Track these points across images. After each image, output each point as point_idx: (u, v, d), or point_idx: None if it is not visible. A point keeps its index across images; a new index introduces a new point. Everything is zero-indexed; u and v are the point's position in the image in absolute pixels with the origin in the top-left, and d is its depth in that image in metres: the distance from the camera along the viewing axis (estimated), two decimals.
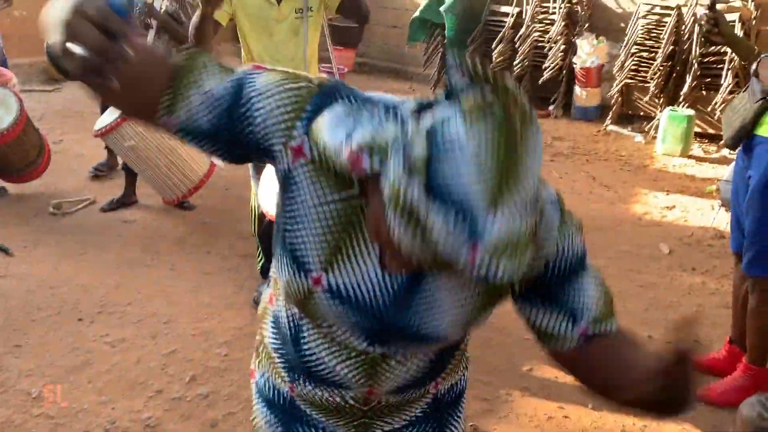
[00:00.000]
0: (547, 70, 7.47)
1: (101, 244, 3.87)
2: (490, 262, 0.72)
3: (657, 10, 6.81)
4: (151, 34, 4.01)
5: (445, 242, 0.72)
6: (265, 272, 3.38)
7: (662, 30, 6.67)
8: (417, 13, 8.45)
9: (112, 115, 3.85)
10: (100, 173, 4.88)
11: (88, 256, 3.72)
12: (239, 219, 4.26)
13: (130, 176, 4.38)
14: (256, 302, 3.27)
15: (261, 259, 3.37)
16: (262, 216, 3.12)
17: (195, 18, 2.84)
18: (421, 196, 0.71)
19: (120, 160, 4.53)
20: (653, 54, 6.74)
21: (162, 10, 4.05)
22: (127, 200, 4.41)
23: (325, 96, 0.95)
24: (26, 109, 5.59)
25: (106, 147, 4.96)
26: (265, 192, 2.91)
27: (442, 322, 1.00)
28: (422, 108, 0.81)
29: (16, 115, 4.03)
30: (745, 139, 2.64)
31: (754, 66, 2.57)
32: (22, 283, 3.39)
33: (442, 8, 8.02)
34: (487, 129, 0.71)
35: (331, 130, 0.83)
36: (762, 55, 2.57)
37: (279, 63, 2.96)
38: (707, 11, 2.62)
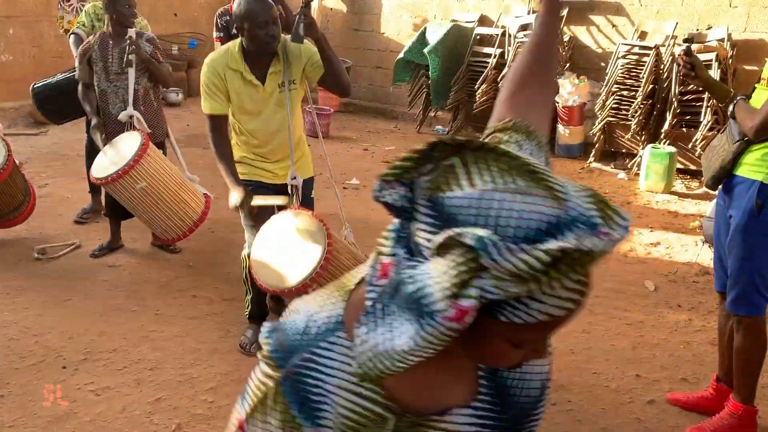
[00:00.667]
0: None
1: (86, 289, 3.84)
2: None
3: (636, 50, 6.97)
4: (132, 73, 4.05)
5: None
6: (252, 317, 3.36)
7: (642, 69, 6.81)
8: (401, 55, 8.60)
9: (108, 159, 3.83)
10: (84, 220, 4.86)
11: (72, 302, 3.68)
12: (224, 262, 4.26)
13: (116, 221, 4.37)
14: (243, 347, 3.26)
15: (248, 306, 3.36)
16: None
17: (220, 166, 3.04)
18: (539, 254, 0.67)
19: (104, 204, 4.52)
20: (634, 93, 6.87)
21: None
22: (113, 245, 4.39)
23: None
24: (12, 153, 5.61)
25: (90, 191, 4.97)
26: (261, 243, 2.91)
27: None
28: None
29: (2, 160, 4.03)
30: (725, 179, 2.68)
31: (730, 108, 2.63)
32: (5, 330, 3.34)
33: (425, 50, 8.16)
34: None
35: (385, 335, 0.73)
36: (738, 98, 2.63)
37: (269, 135, 3.10)
38: (684, 56, 2.69)
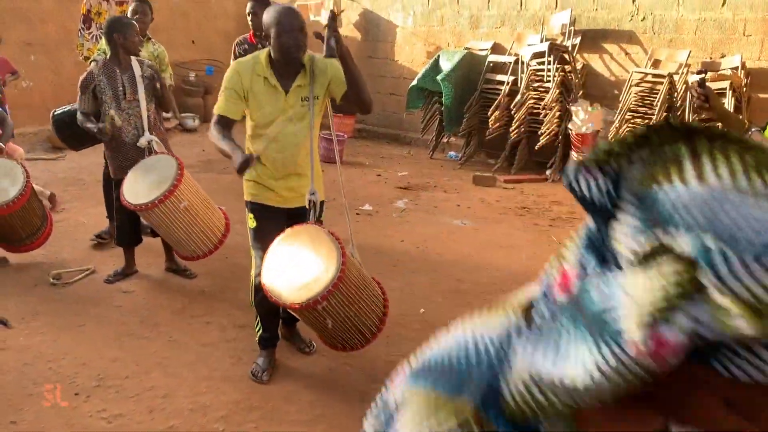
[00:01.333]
0: (543, 135, 7.61)
1: (100, 315, 3.86)
2: None
3: (649, 78, 6.98)
4: (143, 99, 4.12)
5: None
6: (262, 342, 3.36)
7: (655, 97, 6.82)
8: (414, 82, 8.67)
9: (141, 184, 3.87)
10: (102, 241, 4.91)
11: (86, 328, 3.70)
12: (237, 288, 4.27)
13: (129, 248, 4.41)
14: (254, 375, 3.25)
15: (259, 330, 3.36)
16: (259, 286, 3.14)
17: (219, 144, 2.98)
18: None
19: (114, 232, 4.55)
20: (647, 120, 6.88)
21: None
22: (128, 271, 4.42)
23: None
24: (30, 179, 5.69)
25: (108, 216, 5.02)
26: (270, 265, 2.93)
27: None
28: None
29: (21, 186, 4.09)
30: None
31: None
32: (19, 355, 3.36)
33: (438, 77, 8.23)
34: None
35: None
36: (752, 129, 2.63)
37: (282, 146, 3.07)
38: (698, 88, 2.70)
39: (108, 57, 4.17)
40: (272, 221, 3.17)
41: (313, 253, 2.91)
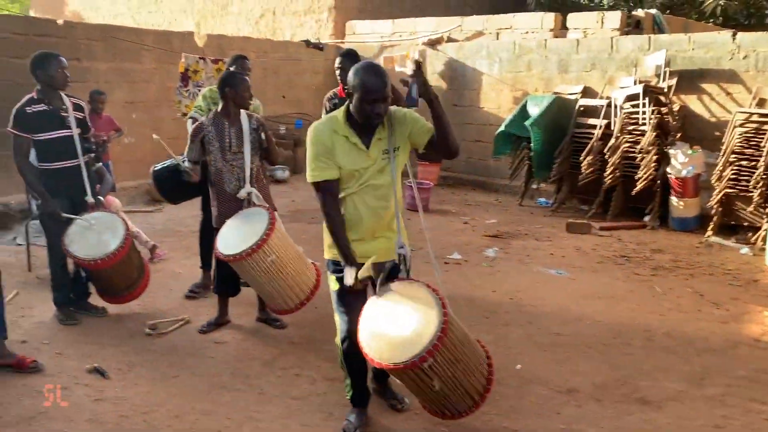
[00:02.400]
0: (640, 180, 7.28)
1: (193, 366, 3.87)
2: None
3: (755, 117, 6.59)
4: (248, 152, 4.18)
5: None
6: (354, 401, 3.26)
7: (762, 138, 6.41)
8: (502, 128, 8.55)
9: (235, 235, 3.91)
10: (194, 295, 4.99)
11: (180, 379, 3.72)
12: (327, 339, 4.19)
13: (224, 298, 4.44)
14: None
15: (349, 390, 3.26)
16: (347, 350, 3.08)
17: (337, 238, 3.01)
18: None
19: (213, 280, 4.61)
20: (754, 162, 6.47)
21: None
22: (221, 321, 4.45)
23: None
24: (132, 227, 5.90)
25: (202, 267, 5.12)
26: (365, 325, 2.84)
27: None
28: None
29: (121, 239, 4.22)
30: None
31: None
32: (116, 407, 3.39)
33: (527, 122, 8.08)
34: None
35: None
36: None
37: (370, 200, 3.01)
38: None
39: (219, 109, 4.28)
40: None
41: (410, 307, 2.78)
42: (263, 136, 4.27)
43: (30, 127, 4.18)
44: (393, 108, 3.02)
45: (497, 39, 10.27)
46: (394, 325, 2.76)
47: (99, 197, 4.98)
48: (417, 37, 10.90)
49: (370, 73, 2.87)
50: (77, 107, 4.44)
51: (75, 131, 4.34)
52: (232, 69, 4.99)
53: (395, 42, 11.13)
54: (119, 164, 8.24)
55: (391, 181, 3.01)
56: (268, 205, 4.18)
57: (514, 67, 9.54)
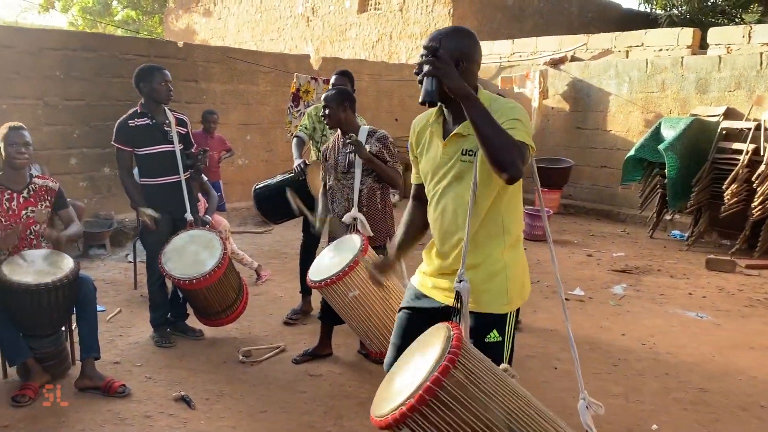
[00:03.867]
0: None
1: (283, 401, 3.55)
2: None
3: None
4: (357, 173, 3.86)
5: None
6: None
7: None
8: (632, 152, 7.83)
9: (328, 261, 3.61)
10: (293, 321, 4.72)
11: (267, 414, 3.40)
12: None
13: (328, 327, 4.11)
14: None
15: None
16: None
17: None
18: None
19: (314, 306, 4.32)
20: None
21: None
22: (320, 352, 4.12)
23: None
24: (236, 250, 5.77)
25: (302, 292, 4.85)
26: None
27: None
28: None
29: (218, 259, 4.01)
30: None
31: None
32: None
33: (661, 146, 7.33)
34: None
35: None
36: None
37: (441, 217, 2.24)
38: None
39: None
40: (420, 319, 2.28)
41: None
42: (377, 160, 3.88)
43: (131, 141, 4.09)
44: (502, 98, 2.24)
45: (626, 57, 9.54)
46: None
47: (207, 216, 4.86)
48: (538, 56, 10.36)
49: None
50: (180, 122, 4.32)
51: (177, 146, 4.21)
52: (333, 83, 4.76)
53: (514, 62, 10.65)
54: (231, 185, 8.27)
55: (466, 193, 2.13)
56: (368, 233, 3.81)
57: (646, 87, 8.79)
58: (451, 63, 1.94)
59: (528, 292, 2.30)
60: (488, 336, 2.15)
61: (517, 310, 2.27)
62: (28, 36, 6.84)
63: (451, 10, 11.90)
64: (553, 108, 9.96)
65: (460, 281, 2.09)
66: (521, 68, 10.25)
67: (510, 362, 2.21)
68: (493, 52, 11.08)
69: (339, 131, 3.99)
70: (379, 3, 13.46)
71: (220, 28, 17.38)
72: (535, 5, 13.51)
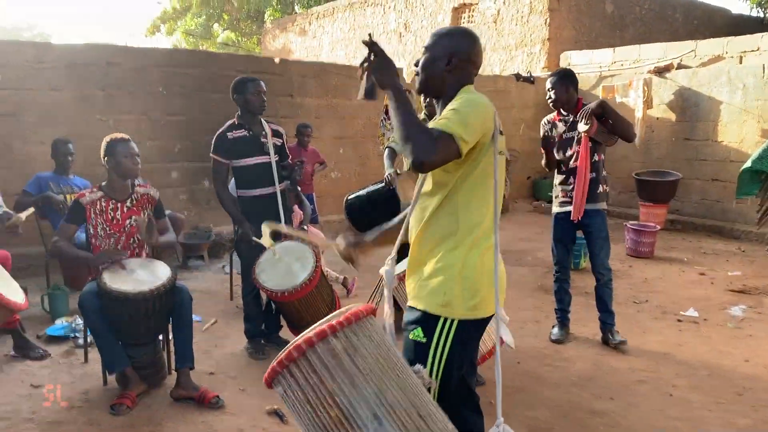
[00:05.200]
0: None
1: None
2: None
3: None
4: None
5: None
6: None
7: None
8: (748, 164, 7.23)
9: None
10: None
11: None
12: (531, 403, 3.53)
13: None
14: None
15: None
16: None
17: None
18: None
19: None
20: None
21: None
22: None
23: None
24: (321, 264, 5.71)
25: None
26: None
27: None
28: None
29: (310, 271, 3.95)
30: None
31: None
32: None
33: None
34: None
35: None
36: None
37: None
38: None
39: None
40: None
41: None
42: None
43: (229, 153, 4.10)
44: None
45: (740, 63, 8.92)
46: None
47: (303, 227, 4.84)
48: (641, 65, 9.87)
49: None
50: (276, 133, 4.31)
51: (273, 158, 4.20)
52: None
53: (615, 71, 10.20)
54: (325, 198, 8.29)
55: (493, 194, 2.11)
56: None
57: (763, 94, 8.16)
58: (387, 59, 2.00)
59: (488, 306, 2.05)
60: (412, 332, 2.06)
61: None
62: (134, 54, 7.12)
63: (548, 20, 11.57)
64: (658, 118, 9.43)
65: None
66: (623, 77, 9.80)
67: (445, 379, 2.06)
68: (592, 62, 10.66)
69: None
70: (472, 16, 13.30)
71: (315, 47, 17.73)
72: (636, 13, 12.95)
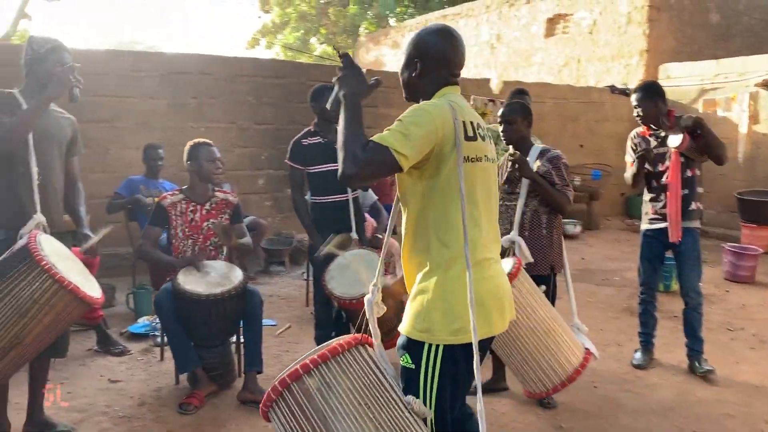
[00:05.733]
0: None
1: None
2: None
3: None
4: (522, 194, 3.61)
5: None
6: None
7: None
8: None
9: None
10: None
11: None
12: (605, 429, 3.33)
13: (498, 360, 3.83)
14: None
15: None
16: None
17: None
18: None
19: None
20: None
21: None
22: (495, 386, 3.85)
23: None
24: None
25: None
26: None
27: None
28: None
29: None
30: None
31: None
32: None
33: None
34: None
35: None
36: None
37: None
38: None
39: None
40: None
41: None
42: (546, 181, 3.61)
43: (303, 159, 4.14)
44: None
45: None
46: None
47: (377, 236, 4.82)
48: (747, 77, 9.28)
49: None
50: None
51: None
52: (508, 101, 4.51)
53: (718, 84, 9.64)
54: None
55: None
56: (527, 259, 3.47)
57: None
58: (354, 71, 2.02)
59: (471, 331, 1.87)
60: (401, 358, 2.00)
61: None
62: (225, 64, 7.37)
63: (647, 30, 11.11)
64: (764, 134, 8.83)
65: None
66: (726, 90, 9.25)
67: (439, 409, 1.94)
68: (693, 74, 10.13)
69: (511, 148, 3.74)
70: (567, 27, 12.97)
71: None
72: (744, 22, 12.22)
